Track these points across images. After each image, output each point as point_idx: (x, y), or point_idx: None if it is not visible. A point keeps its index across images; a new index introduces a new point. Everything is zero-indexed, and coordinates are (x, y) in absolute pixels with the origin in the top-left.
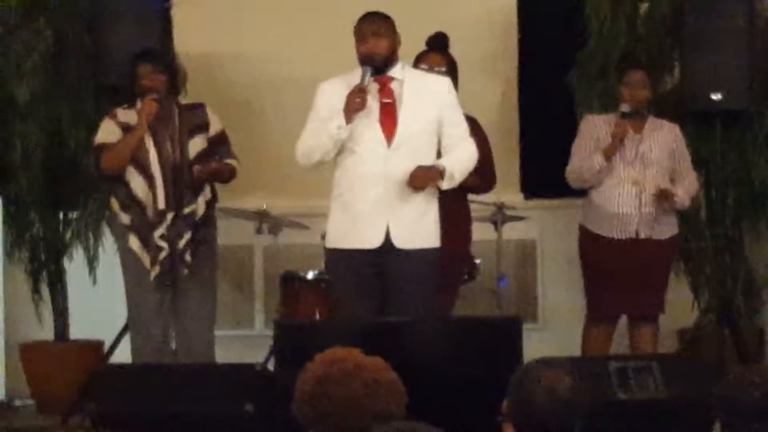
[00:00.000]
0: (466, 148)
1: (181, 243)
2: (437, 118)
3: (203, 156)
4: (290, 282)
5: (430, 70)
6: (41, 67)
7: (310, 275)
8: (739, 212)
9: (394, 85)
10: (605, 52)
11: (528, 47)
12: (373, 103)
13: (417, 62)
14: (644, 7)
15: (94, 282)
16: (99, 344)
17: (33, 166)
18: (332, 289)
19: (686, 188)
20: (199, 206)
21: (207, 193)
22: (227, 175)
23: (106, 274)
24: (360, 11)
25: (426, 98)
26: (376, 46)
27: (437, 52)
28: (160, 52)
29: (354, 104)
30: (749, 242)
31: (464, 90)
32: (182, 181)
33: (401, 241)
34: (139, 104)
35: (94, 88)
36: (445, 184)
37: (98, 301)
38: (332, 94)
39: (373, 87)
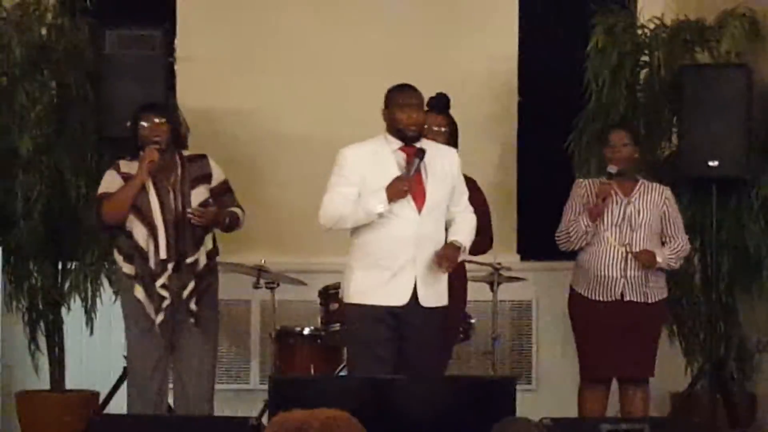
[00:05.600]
0: (471, 219)
1: (185, 293)
2: (452, 187)
3: (206, 206)
4: (286, 337)
5: (430, 129)
6: (44, 119)
7: (306, 331)
8: (734, 278)
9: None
10: (604, 117)
11: (528, 110)
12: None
13: None
14: (644, 73)
15: (91, 333)
16: (95, 395)
17: (33, 217)
18: (347, 342)
19: (673, 250)
20: (201, 256)
21: (208, 243)
22: (228, 222)
23: (103, 325)
24: (358, 71)
25: (444, 169)
26: (420, 118)
27: (438, 112)
28: (163, 104)
29: (402, 193)
30: (743, 308)
31: (464, 150)
32: (184, 232)
33: (425, 300)
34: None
35: (96, 140)
36: (460, 258)
37: (95, 352)
38: (359, 160)
39: (401, 155)
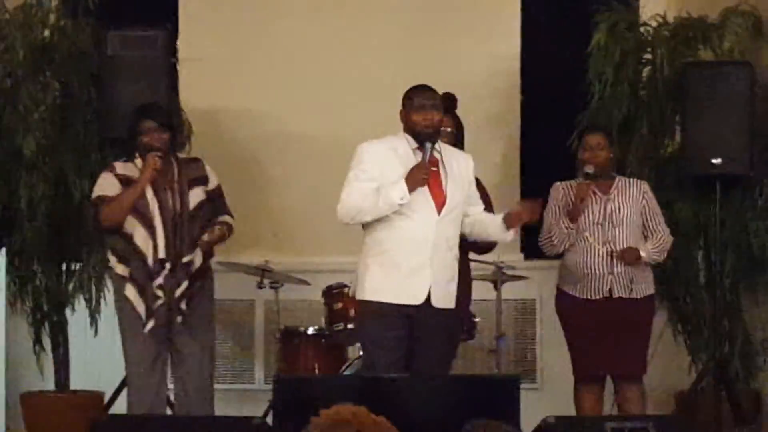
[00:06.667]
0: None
1: (178, 292)
2: (468, 191)
3: (202, 207)
4: (290, 337)
5: None
6: (48, 120)
7: (310, 331)
8: (738, 276)
9: (436, 156)
10: (607, 115)
11: (530, 109)
12: None
13: None
14: (646, 71)
15: (96, 333)
16: (99, 395)
17: (37, 218)
18: (360, 339)
19: (655, 244)
20: (197, 257)
21: None
22: (228, 235)
23: (107, 326)
24: (360, 71)
25: (461, 173)
26: (436, 119)
27: (444, 113)
28: (163, 108)
29: (421, 180)
30: (747, 306)
31: (467, 150)
32: (182, 232)
33: (437, 301)
34: (138, 158)
35: (99, 141)
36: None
37: (99, 352)
38: (378, 155)
39: (419, 155)
